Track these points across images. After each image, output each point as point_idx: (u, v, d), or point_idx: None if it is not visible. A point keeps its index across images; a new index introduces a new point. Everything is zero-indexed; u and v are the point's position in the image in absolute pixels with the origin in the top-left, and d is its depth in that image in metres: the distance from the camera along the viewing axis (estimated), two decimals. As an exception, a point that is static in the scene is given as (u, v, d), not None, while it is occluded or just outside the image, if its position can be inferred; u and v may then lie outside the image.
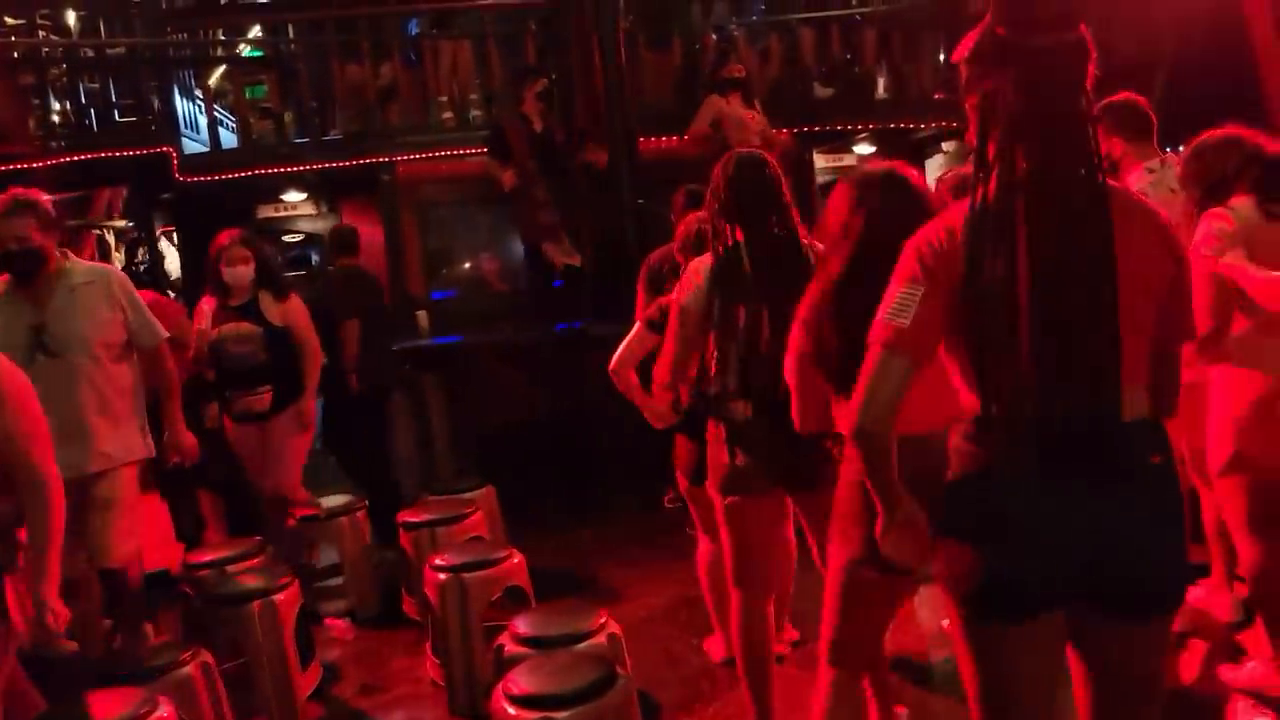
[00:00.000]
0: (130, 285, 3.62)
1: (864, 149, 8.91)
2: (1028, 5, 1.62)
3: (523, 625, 2.85)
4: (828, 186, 5.95)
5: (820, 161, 8.69)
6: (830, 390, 2.28)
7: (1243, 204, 2.83)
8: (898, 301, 1.67)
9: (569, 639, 2.77)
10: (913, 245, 1.70)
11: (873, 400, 1.69)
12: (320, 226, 9.66)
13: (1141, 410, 1.66)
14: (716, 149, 6.22)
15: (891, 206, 2.20)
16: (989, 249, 1.60)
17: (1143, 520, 1.64)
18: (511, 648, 2.79)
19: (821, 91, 7.94)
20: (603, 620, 2.87)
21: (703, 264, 2.83)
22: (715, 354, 2.78)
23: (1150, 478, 1.66)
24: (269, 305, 4.37)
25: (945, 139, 8.24)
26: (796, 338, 2.33)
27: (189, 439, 3.79)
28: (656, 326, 3.18)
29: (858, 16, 8.19)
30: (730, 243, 2.78)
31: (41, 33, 7.35)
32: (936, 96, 7.82)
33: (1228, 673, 3.25)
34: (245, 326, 4.31)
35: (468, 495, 4.51)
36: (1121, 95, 3.57)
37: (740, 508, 2.80)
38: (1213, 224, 2.83)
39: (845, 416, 1.95)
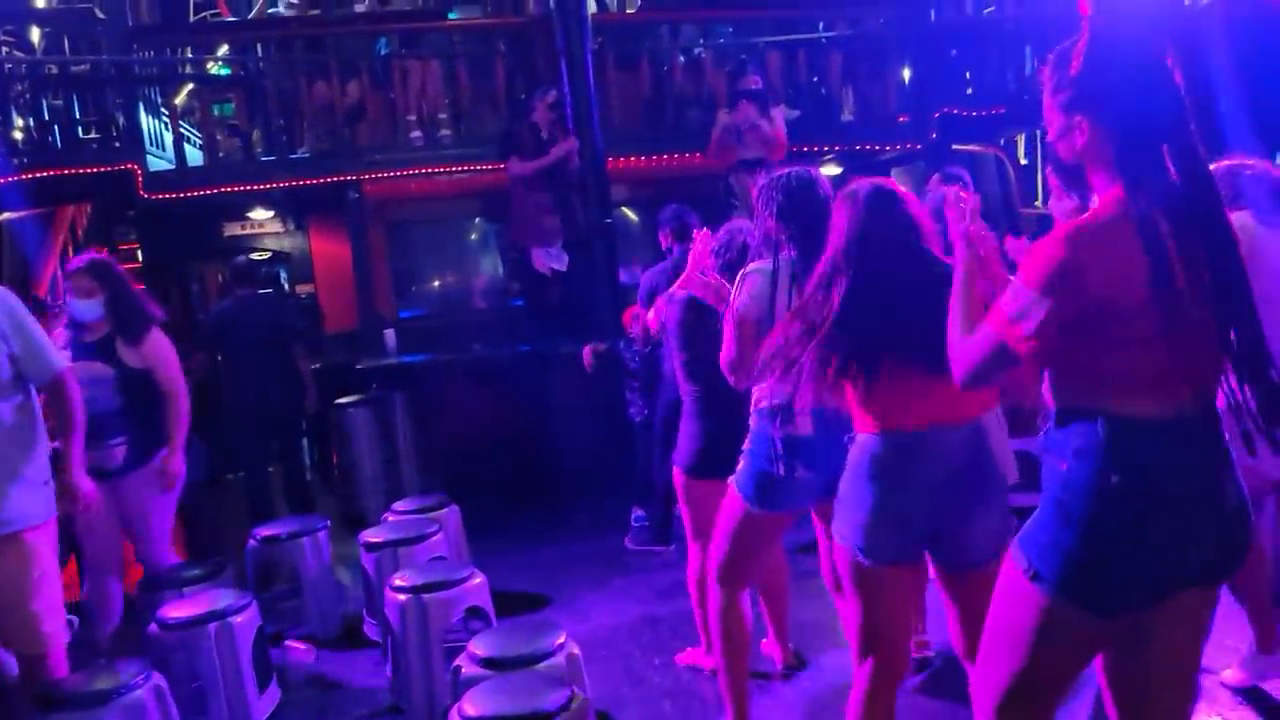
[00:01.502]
0: (18, 304, 3.04)
1: (830, 170, 9.01)
2: (1138, 20, 1.72)
3: (480, 646, 2.84)
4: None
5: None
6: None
7: (1241, 217, 2.91)
8: (1026, 306, 1.73)
9: (527, 659, 2.76)
10: (1051, 248, 1.73)
11: (978, 376, 1.86)
12: (288, 245, 9.64)
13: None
14: (731, 160, 6.41)
15: (885, 220, 2.34)
16: (1163, 256, 1.66)
17: (1240, 491, 1.78)
18: (469, 669, 2.78)
19: (788, 113, 8.02)
20: (562, 640, 2.87)
21: (760, 271, 2.83)
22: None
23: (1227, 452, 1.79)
24: (125, 345, 3.88)
25: (905, 161, 8.35)
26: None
27: (85, 485, 3.26)
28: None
29: (824, 39, 8.30)
30: (788, 253, 2.80)
31: (4, 49, 7.28)
32: (901, 119, 7.93)
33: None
34: (96, 367, 3.79)
35: (431, 514, 4.48)
36: None
37: (771, 520, 2.87)
38: None
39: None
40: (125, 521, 3.89)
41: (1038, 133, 8.48)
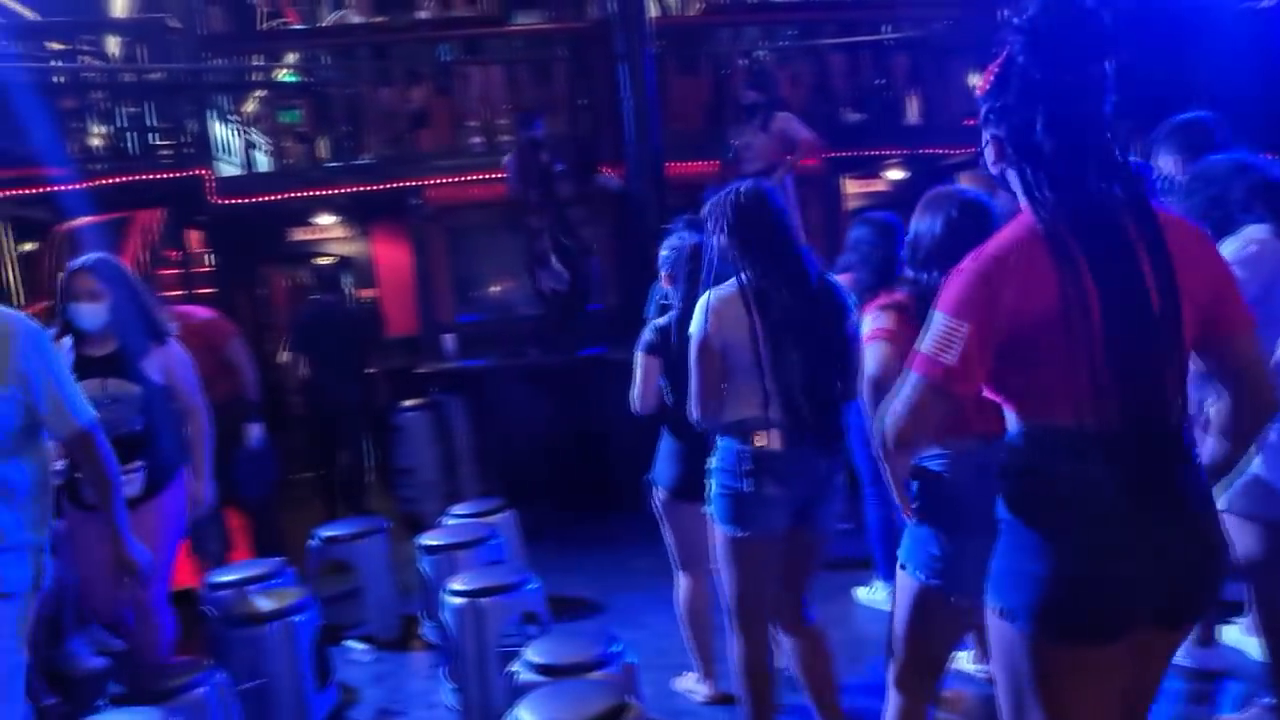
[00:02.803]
0: (47, 342, 2.50)
1: (894, 174, 8.88)
2: (1053, 41, 1.63)
3: (536, 652, 2.83)
4: (857, 212, 5.92)
5: (850, 187, 8.66)
6: None
7: (1256, 232, 2.78)
8: (944, 334, 1.65)
9: (583, 667, 2.74)
10: (963, 275, 1.68)
11: (908, 428, 1.70)
12: (351, 250, 9.79)
13: (1182, 420, 1.70)
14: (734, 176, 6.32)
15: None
16: (1061, 276, 1.61)
17: (1214, 527, 1.70)
18: (525, 675, 2.77)
19: (851, 116, 7.93)
20: (617, 649, 2.85)
21: (720, 296, 2.77)
22: (740, 385, 2.75)
23: (1206, 485, 1.71)
24: (141, 357, 3.41)
25: (972, 165, 8.18)
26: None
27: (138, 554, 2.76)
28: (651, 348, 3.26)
29: (888, 41, 8.18)
30: (743, 276, 2.74)
31: (84, 58, 7.51)
32: (967, 122, 7.77)
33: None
34: (115, 384, 3.30)
35: (488, 518, 4.50)
36: (1185, 116, 3.53)
37: (755, 545, 2.76)
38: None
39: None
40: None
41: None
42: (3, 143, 6.49)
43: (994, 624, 1.72)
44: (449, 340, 6.97)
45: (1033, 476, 1.68)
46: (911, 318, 2.27)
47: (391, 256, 8.69)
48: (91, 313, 3.34)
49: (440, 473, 6.33)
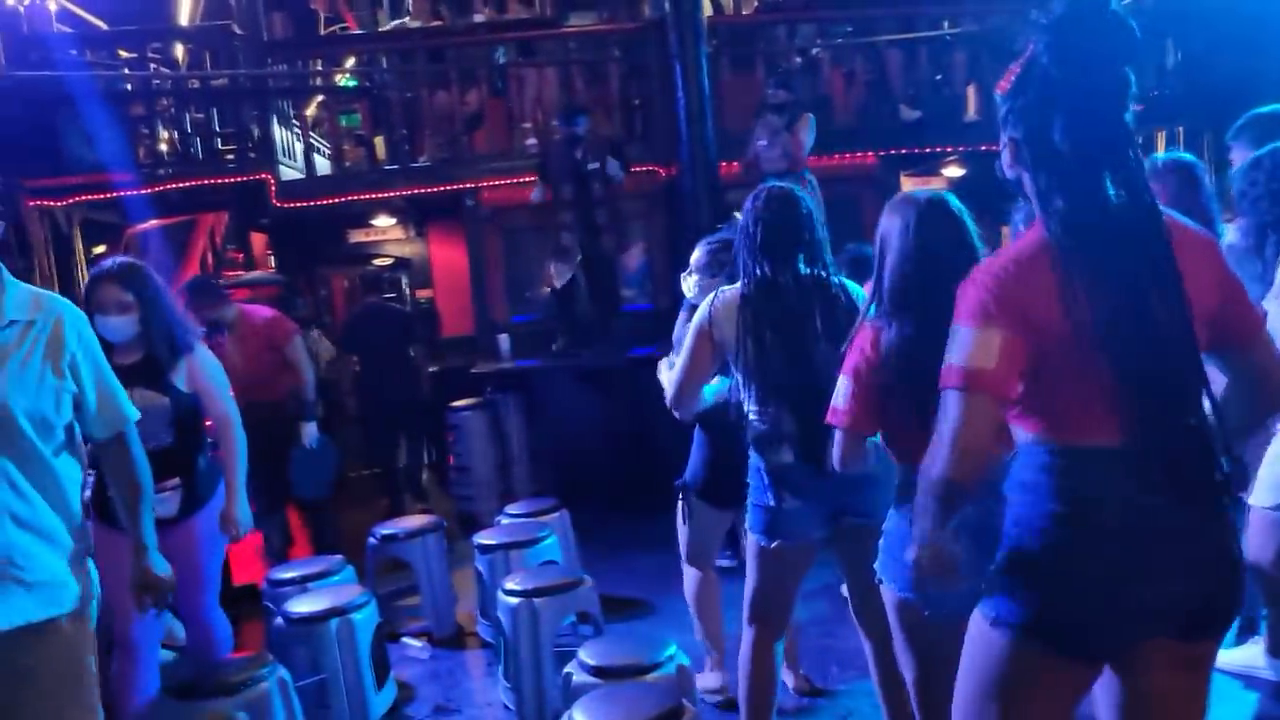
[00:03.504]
0: (89, 326, 2.27)
1: (953, 172, 8.74)
2: (1075, 42, 1.59)
3: (591, 654, 2.83)
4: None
5: (907, 185, 8.54)
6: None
7: None
8: (976, 344, 1.60)
9: (637, 669, 2.74)
10: (979, 284, 1.65)
11: (965, 451, 1.60)
12: (409, 251, 9.94)
13: (1209, 430, 1.65)
14: (755, 177, 6.26)
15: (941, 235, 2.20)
16: (1073, 285, 1.57)
17: (1233, 542, 1.65)
18: (579, 676, 2.78)
19: (909, 113, 7.81)
20: (671, 651, 2.84)
21: (730, 298, 2.76)
22: (754, 394, 2.72)
23: (1228, 499, 1.65)
24: (171, 368, 3.20)
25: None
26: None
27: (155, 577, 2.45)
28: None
29: (947, 37, 8.05)
30: (759, 279, 2.72)
31: (152, 65, 7.71)
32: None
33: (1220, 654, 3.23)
34: (146, 395, 3.05)
35: (543, 518, 4.53)
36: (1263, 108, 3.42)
37: (784, 554, 2.74)
38: None
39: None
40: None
41: (1180, 130, 8.02)
42: (75, 149, 6.70)
43: (981, 631, 1.70)
44: (504, 340, 7.03)
45: (1042, 493, 1.64)
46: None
47: (447, 257, 8.80)
48: (120, 325, 3.12)
49: (495, 472, 6.39)
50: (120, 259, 3.25)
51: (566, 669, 2.86)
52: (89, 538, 2.25)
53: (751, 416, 2.73)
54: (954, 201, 2.26)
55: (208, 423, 3.37)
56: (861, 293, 2.81)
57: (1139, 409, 1.58)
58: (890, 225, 2.24)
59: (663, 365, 3.37)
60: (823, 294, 2.72)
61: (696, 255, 3.46)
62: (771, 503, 2.69)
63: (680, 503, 3.44)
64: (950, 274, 1.77)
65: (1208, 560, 1.61)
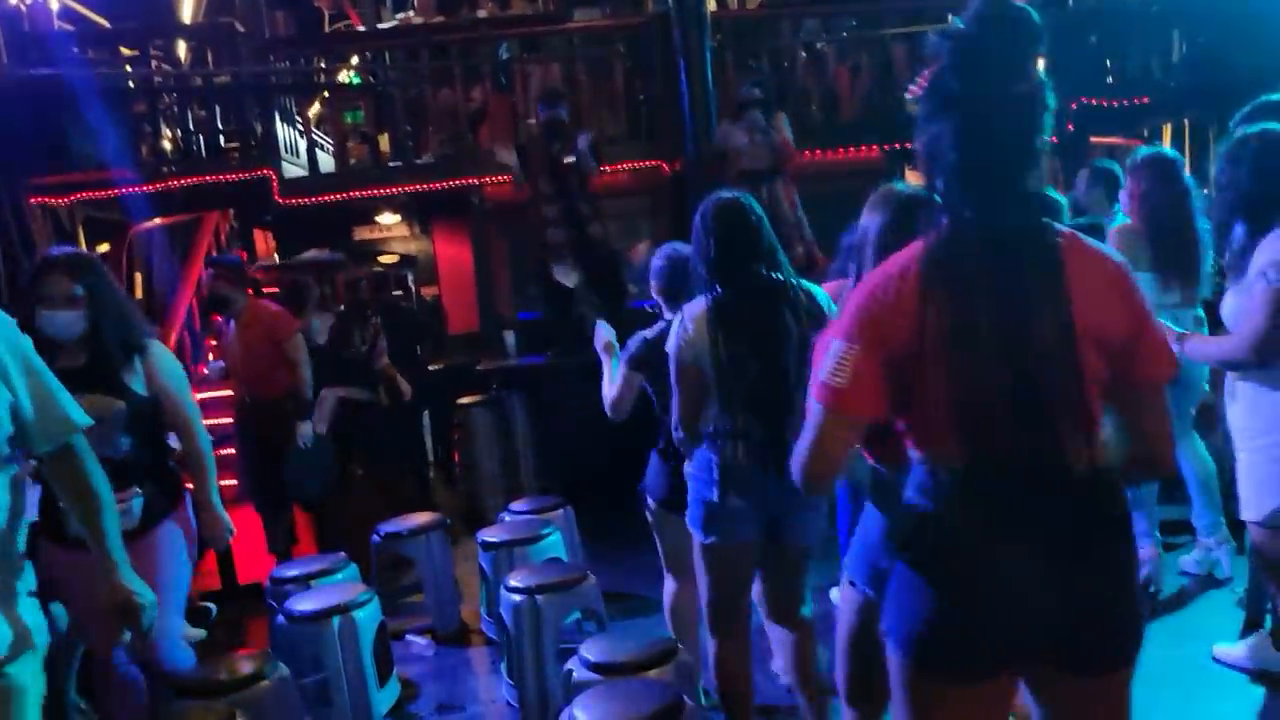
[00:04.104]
0: (15, 328, 1.97)
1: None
2: (978, 55, 1.54)
3: (592, 650, 2.81)
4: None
5: (912, 179, 8.49)
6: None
7: None
8: (838, 359, 1.60)
9: (637, 665, 2.72)
10: (854, 297, 1.65)
11: (811, 465, 1.66)
12: (414, 248, 9.92)
13: (1099, 460, 1.58)
14: (733, 173, 6.18)
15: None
16: (932, 304, 1.54)
17: (1102, 578, 1.57)
18: (580, 673, 2.76)
19: (913, 108, 7.77)
20: (672, 648, 2.82)
21: (691, 311, 2.75)
22: (720, 398, 2.71)
23: (1109, 531, 1.58)
24: (125, 366, 2.90)
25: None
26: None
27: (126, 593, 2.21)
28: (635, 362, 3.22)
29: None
30: (720, 292, 2.70)
31: (154, 63, 7.71)
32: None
33: (1221, 649, 3.34)
34: (97, 400, 2.71)
35: (547, 515, 4.51)
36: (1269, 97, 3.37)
37: (726, 554, 2.75)
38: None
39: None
40: None
41: (1185, 123, 7.97)
42: (78, 147, 6.69)
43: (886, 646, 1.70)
44: (509, 337, 7.01)
45: (908, 510, 1.64)
46: None
47: (452, 254, 8.78)
48: (67, 321, 2.81)
49: (500, 468, 6.37)
50: (68, 247, 2.96)
51: (567, 665, 2.85)
52: (20, 570, 1.93)
53: (711, 422, 2.73)
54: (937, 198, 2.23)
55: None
56: (822, 293, 2.82)
57: (980, 433, 1.54)
58: (870, 221, 2.22)
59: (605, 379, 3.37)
60: (785, 298, 2.71)
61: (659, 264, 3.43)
62: (715, 498, 2.69)
63: (647, 511, 3.42)
64: None
65: (1071, 589, 1.55)
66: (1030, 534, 1.54)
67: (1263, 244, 2.61)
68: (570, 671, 2.80)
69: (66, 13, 8.38)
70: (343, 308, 6.79)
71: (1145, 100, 7.40)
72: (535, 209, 6.33)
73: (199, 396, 3.71)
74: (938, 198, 1.60)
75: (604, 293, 6.55)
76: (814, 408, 1.64)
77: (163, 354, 3.01)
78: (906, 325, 1.56)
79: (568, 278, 6.40)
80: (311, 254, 8.22)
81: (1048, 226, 1.58)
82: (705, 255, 2.72)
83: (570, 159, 6.14)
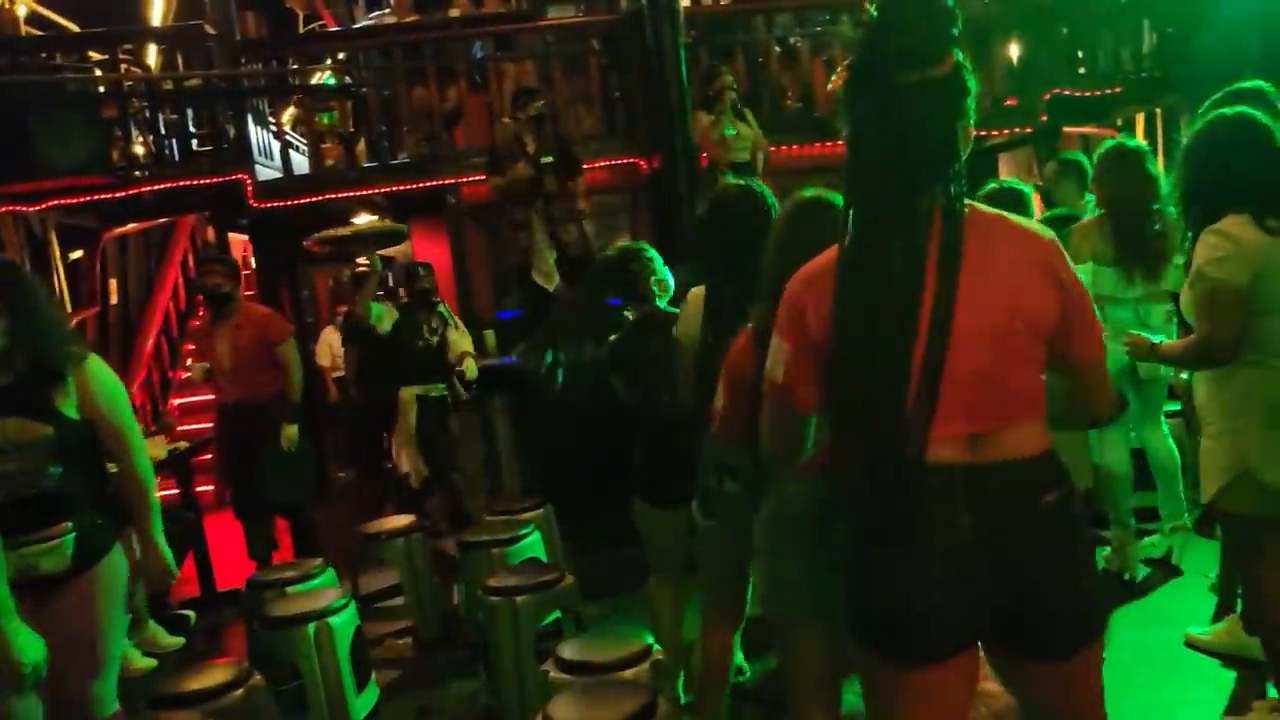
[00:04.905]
0: None
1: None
2: (893, 39, 1.53)
3: (567, 651, 2.81)
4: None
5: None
6: None
7: (1235, 224, 2.55)
8: (774, 353, 1.70)
9: (613, 666, 2.71)
10: (786, 292, 1.70)
11: (773, 446, 1.85)
12: (392, 250, 9.85)
13: (1031, 448, 1.59)
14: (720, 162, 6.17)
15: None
16: (853, 292, 1.55)
17: (1046, 563, 1.57)
18: (555, 673, 2.75)
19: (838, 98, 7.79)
20: (649, 647, 2.81)
21: (696, 298, 2.77)
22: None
23: (1046, 517, 1.58)
24: (55, 387, 2.55)
25: (1013, 146, 8.03)
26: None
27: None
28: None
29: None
30: (713, 279, 2.71)
31: (124, 67, 7.63)
32: (1008, 102, 7.61)
33: (1193, 634, 3.38)
34: (22, 425, 2.49)
35: (526, 515, 4.49)
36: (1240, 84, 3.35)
37: (720, 537, 2.74)
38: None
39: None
40: (55, 645, 2.40)
41: (1158, 111, 8.01)
42: (48, 153, 6.61)
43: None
44: (488, 336, 6.98)
45: (837, 502, 1.70)
46: None
47: (430, 254, 8.70)
48: None
49: (481, 469, 6.34)
50: None
51: (544, 666, 2.84)
52: None
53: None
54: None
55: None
56: None
57: (879, 420, 1.54)
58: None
59: None
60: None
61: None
62: (713, 484, 2.70)
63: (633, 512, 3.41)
64: None
65: (999, 572, 1.55)
66: (950, 519, 1.54)
67: (1202, 237, 2.61)
68: (545, 672, 2.79)
69: (34, 17, 8.29)
70: (405, 298, 6.58)
71: (1117, 89, 7.43)
72: (508, 211, 6.27)
73: (179, 401, 3.68)
74: (850, 188, 1.61)
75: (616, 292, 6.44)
76: (767, 397, 1.77)
77: (98, 371, 2.66)
78: (820, 323, 1.60)
79: (548, 280, 6.33)
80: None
81: (958, 214, 1.55)
82: (702, 246, 2.71)
83: (546, 159, 6.07)
